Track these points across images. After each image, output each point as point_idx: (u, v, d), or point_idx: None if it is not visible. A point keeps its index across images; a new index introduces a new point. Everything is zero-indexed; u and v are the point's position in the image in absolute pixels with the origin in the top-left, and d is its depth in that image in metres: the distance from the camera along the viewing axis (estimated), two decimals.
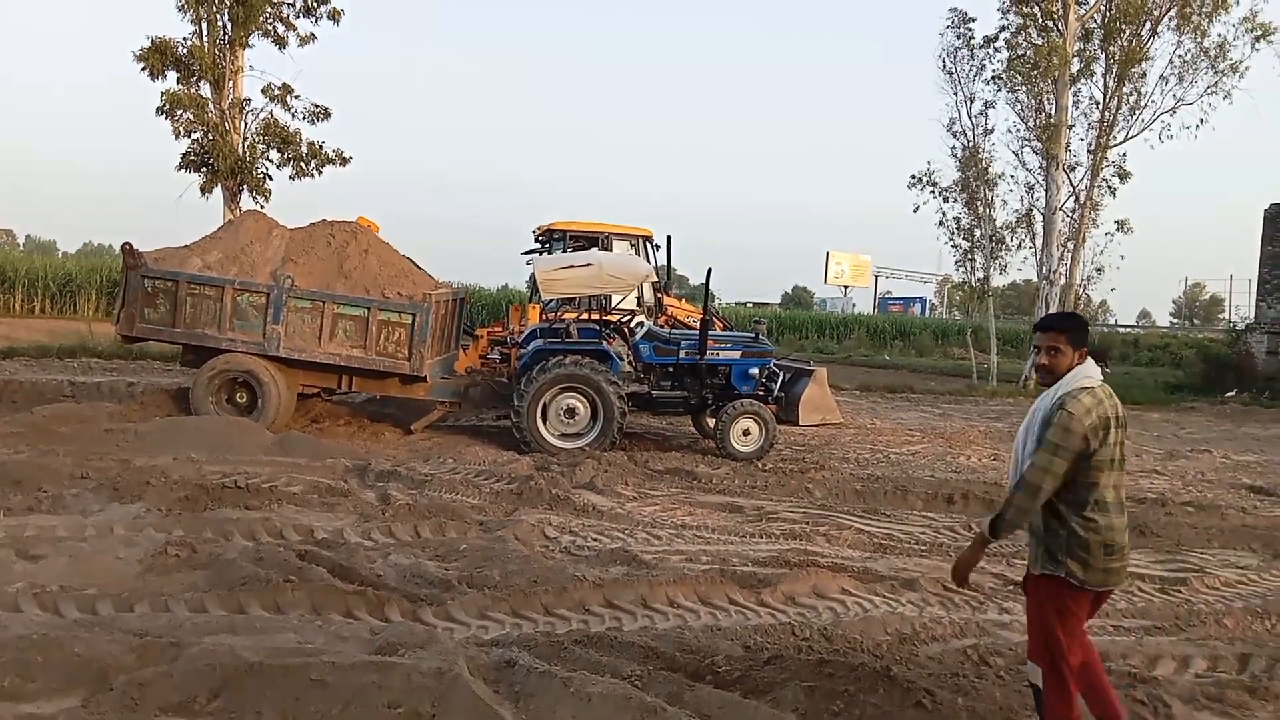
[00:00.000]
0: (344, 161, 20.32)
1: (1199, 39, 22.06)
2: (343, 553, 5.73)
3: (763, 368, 10.96)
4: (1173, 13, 22.06)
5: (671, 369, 10.96)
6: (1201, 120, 22.37)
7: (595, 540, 6.60)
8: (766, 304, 68.63)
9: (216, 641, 3.99)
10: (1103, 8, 22.65)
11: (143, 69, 18.62)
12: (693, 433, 12.10)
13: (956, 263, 24.65)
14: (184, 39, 18.85)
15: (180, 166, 19.28)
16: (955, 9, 24.17)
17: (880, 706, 3.82)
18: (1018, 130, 23.43)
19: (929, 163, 24.39)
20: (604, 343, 10.52)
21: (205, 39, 19.00)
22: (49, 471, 7.21)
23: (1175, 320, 71.37)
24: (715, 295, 13.04)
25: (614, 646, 4.38)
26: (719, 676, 4.12)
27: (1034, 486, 3.19)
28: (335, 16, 20.10)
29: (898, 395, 20.28)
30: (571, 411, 10.23)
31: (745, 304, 61.38)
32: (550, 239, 14.48)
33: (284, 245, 10.85)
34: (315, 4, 19.91)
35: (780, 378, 11.15)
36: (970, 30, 23.61)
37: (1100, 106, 22.80)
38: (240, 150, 19.38)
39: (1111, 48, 22.44)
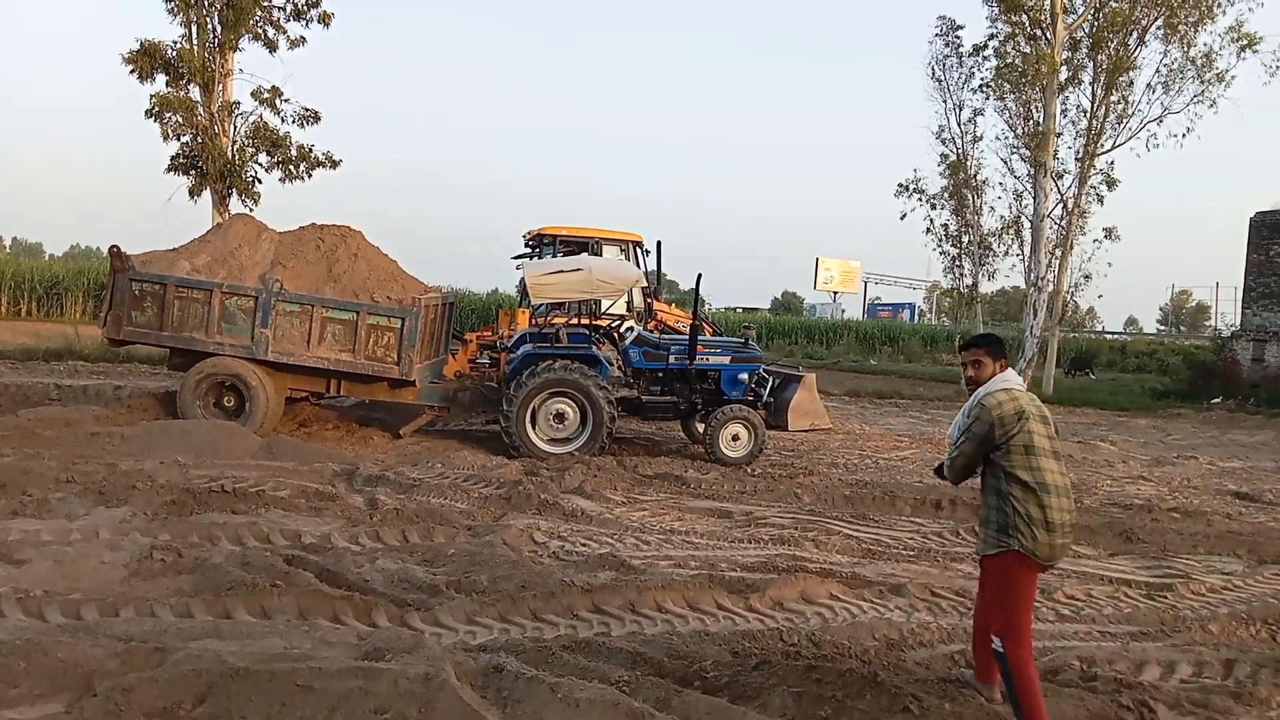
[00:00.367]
0: (334, 164, 20.27)
1: (1185, 48, 22.25)
2: (330, 557, 5.70)
3: (752, 373, 10.98)
4: (1160, 22, 22.23)
5: (661, 374, 10.96)
6: (1188, 129, 22.57)
7: (584, 545, 6.59)
8: (756, 309, 68.78)
9: (202, 646, 3.97)
10: (1090, 17, 22.81)
11: (132, 71, 18.54)
12: (682, 438, 12.10)
13: (945, 269, 24.81)
14: (173, 42, 18.81)
15: (169, 169, 19.20)
16: (944, 17, 24.37)
17: (867, 712, 3.82)
18: (1006, 138, 23.61)
19: (915, 170, 24.54)
20: (593, 347, 10.52)
21: (195, 42, 18.93)
22: (34, 475, 7.16)
23: (1162, 327, 71.84)
24: (705, 300, 13.06)
25: (602, 652, 4.37)
26: (707, 682, 4.11)
27: (954, 462, 4.01)
28: (325, 20, 20.06)
29: (886, 401, 20.34)
30: (561, 416, 10.22)
31: (735, 309, 61.54)
32: (540, 244, 14.46)
33: (273, 249, 10.82)
34: (305, 7, 19.87)
35: (769, 383, 11.16)
36: (959, 38, 23.83)
37: (1088, 115, 22.94)
38: (229, 153, 19.31)
39: (1099, 56, 22.59)
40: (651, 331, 12.71)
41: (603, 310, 12.00)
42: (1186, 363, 29.84)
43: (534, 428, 10.18)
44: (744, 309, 65.17)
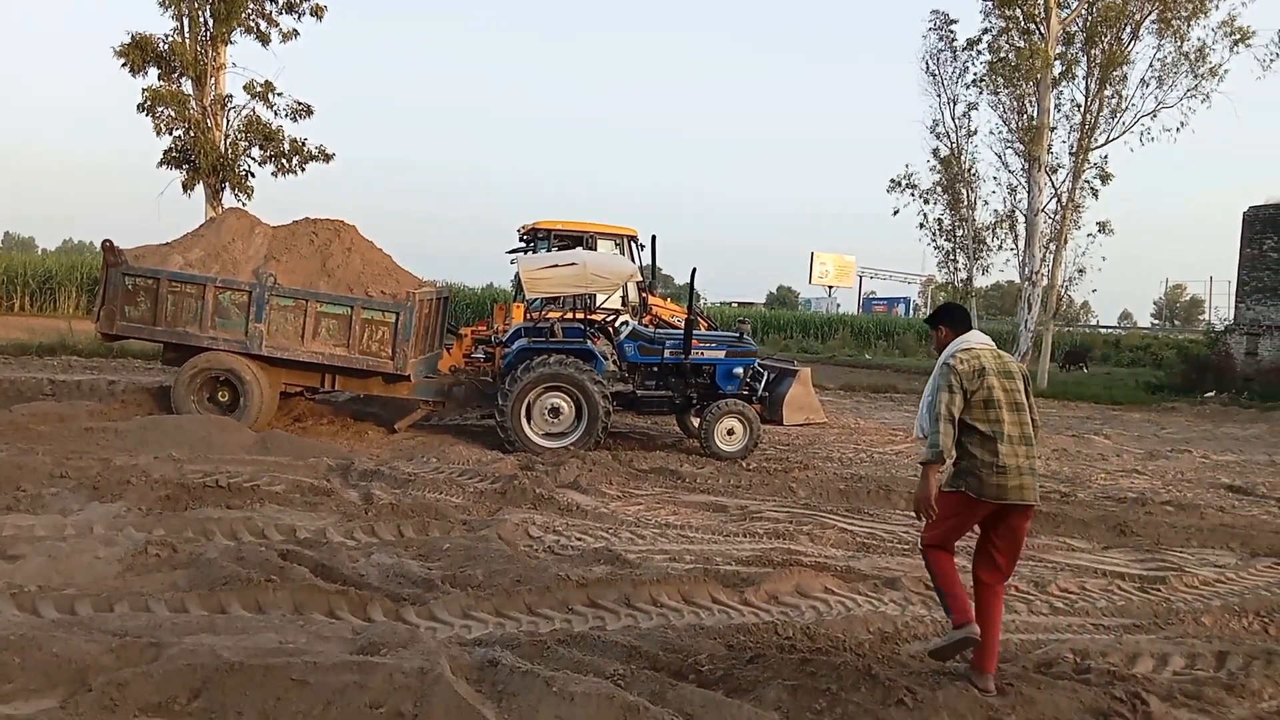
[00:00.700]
0: (327, 158, 20.21)
1: (1179, 43, 22.31)
2: (325, 552, 5.70)
3: (747, 367, 10.98)
4: (1153, 16, 22.26)
5: (656, 368, 10.96)
6: (1181, 123, 22.64)
7: (579, 540, 6.59)
8: (751, 304, 68.81)
9: (197, 641, 3.96)
10: (1084, 11, 22.83)
11: (123, 65, 18.45)
12: (677, 432, 12.11)
13: (939, 264, 24.85)
14: (165, 35, 18.71)
15: (162, 163, 19.14)
16: (937, 11, 24.38)
17: (862, 705, 3.83)
18: (1000, 132, 23.64)
19: (907, 166, 24.53)
20: (588, 342, 10.52)
21: (187, 35, 18.85)
22: (28, 470, 7.14)
23: (1156, 321, 72.02)
24: (700, 295, 13.07)
25: (597, 646, 4.37)
26: (702, 675, 4.12)
27: (941, 416, 4.07)
28: (318, 13, 19.99)
29: (881, 395, 20.38)
30: (556, 411, 10.21)
31: (730, 304, 61.56)
32: (535, 238, 14.46)
33: (266, 243, 10.80)
34: (298, 1, 19.78)
35: (764, 377, 11.17)
36: (953, 33, 23.85)
37: (1082, 109, 22.99)
38: (222, 147, 19.24)
39: (1093, 51, 22.63)
40: (646, 326, 12.71)
41: (597, 305, 12.00)
42: (1180, 357, 29.94)
43: (529, 422, 10.17)
44: (739, 303, 65.20)
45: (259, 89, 19.49)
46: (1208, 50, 22.18)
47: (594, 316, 11.55)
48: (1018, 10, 22.86)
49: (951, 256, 24.36)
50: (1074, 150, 23.11)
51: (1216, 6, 22.20)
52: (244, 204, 19.27)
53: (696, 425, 10.90)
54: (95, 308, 10.70)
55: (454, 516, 6.92)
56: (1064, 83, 23.37)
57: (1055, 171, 23.44)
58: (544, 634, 4.57)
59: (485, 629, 4.71)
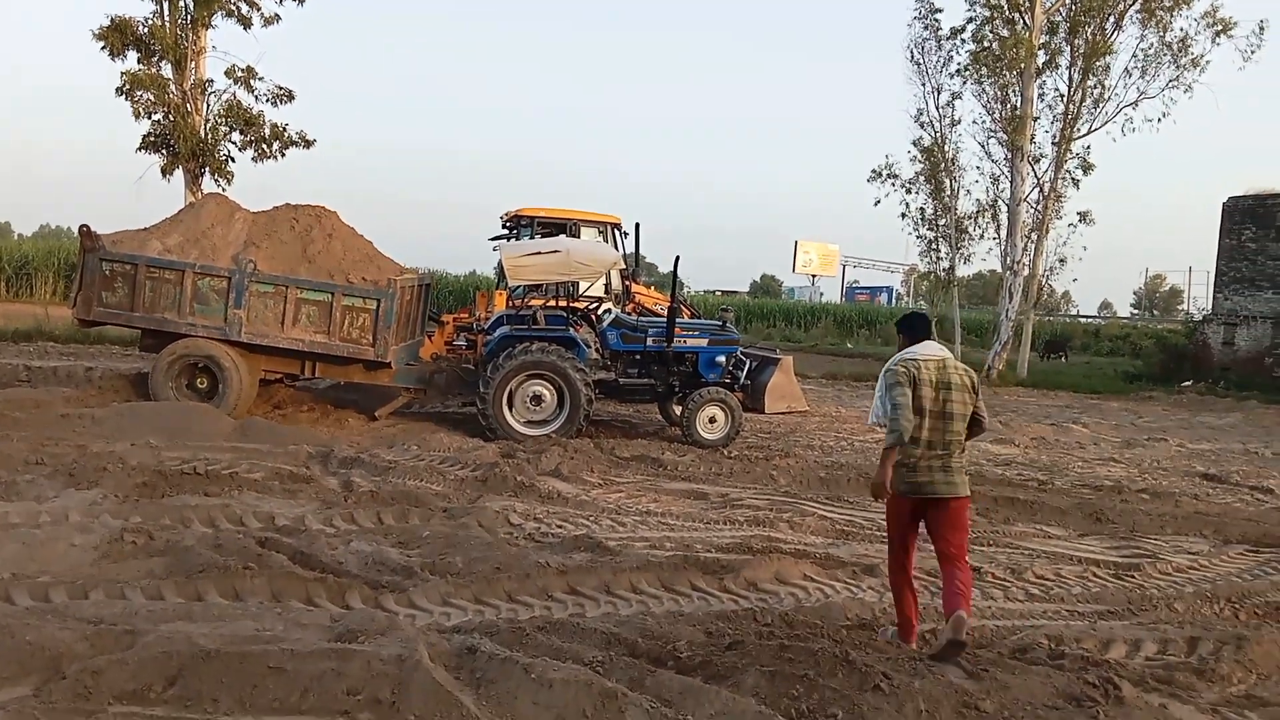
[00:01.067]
0: (308, 144, 20.04)
1: (1161, 33, 22.38)
2: (304, 540, 5.68)
3: (729, 356, 11.00)
4: (1137, 6, 22.35)
5: (638, 356, 10.96)
6: (1163, 114, 22.75)
7: (560, 527, 6.60)
8: (735, 292, 68.89)
9: (173, 629, 3.94)
10: (1068, 1, 22.89)
11: (102, 48, 18.20)
12: (659, 420, 12.12)
13: (921, 253, 24.93)
14: (145, 18, 18.47)
15: (140, 148, 18.91)
16: None
17: (839, 690, 3.86)
18: (983, 122, 23.68)
19: (887, 156, 24.54)
20: (571, 330, 10.50)
21: (167, 18, 18.62)
22: (2, 457, 7.09)
23: (1136, 311, 72.54)
24: (683, 283, 13.07)
25: (576, 633, 4.38)
26: (680, 662, 4.13)
27: (899, 405, 4.47)
28: None
29: (863, 384, 20.44)
30: (538, 398, 10.20)
31: (714, 292, 61.61)
32: (518, 225, 14.40)
33: (246, 229, 10.69)
34: None
35: (747, 366, 11.19)
36: (938, 21, 23.84)
37: (1065, 99, 23.06)
38: (202, 132, 19.03)
39: (1076, 41, 22.69)
40: (629, 314, 12.70)
41: (580, 292, 11.97)
42: (1159, 346, 30.22)
43: (511, 410, 10.16)
44: (723, 292, 65.27)
45: (240, 74, 19.29)
46: (1190, 41, 22.30)
47: (577, 304, 11.52)
48: (1003, 0, 22.90)
49: (934, 246, 24.45)
50: (1056, 140, 23.20)
51: None
52: (224, 189, 19.12)
53: (679, 413, 10.92)
54: (72, 293, 10.58)
55: (434, 504, 6.92)
56: (1047, 72, 23.43)
57: (1038, 161, 23.53)
58: (523, 621, 4.58)
59: (464, 616, 4.71)
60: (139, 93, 18.30)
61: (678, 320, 10.98)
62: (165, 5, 18.63)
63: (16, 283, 29.47)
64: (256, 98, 19.59)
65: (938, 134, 23.85)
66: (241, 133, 19.45)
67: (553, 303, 11.35)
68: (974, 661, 4.38)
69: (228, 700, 3.38)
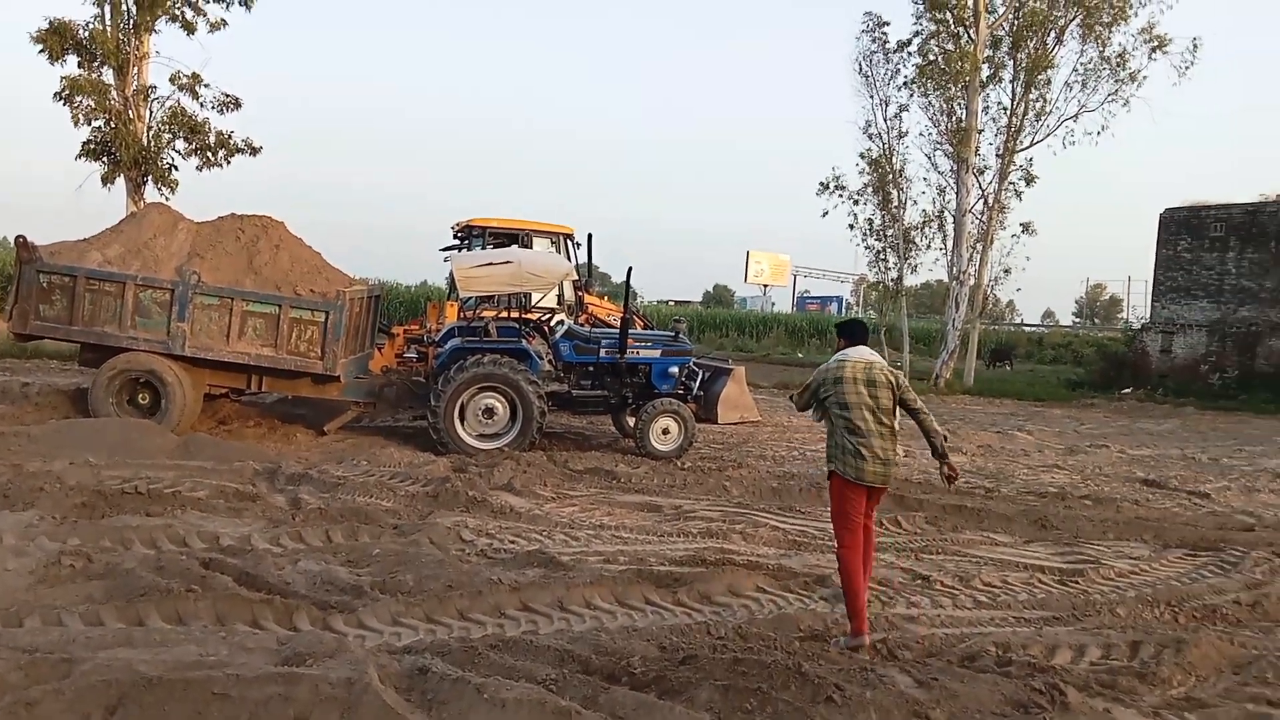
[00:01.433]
0: (254, 151, 19.76)
1: (1101, 48, 23.03)
2: (249, 560, 5.56)
3: (682, 366, 11.04)
4: (1077, 21, 22.96)
5: (591, 368, 10.95)
6: (1103, 127, 23.38)
7: (512, 542, 6.55)
8: (688, 302, 69.16)
9: (112, 656, 3.83)
10: (1011, 16, 23.44)
11: (40, 51, 17.76)
12: (613, 432, 12.11)
13: (869, 263, 25.29)
14: (86, 22, 18.06)
15: (80, 155, 18.46)
16: (870, 13, 24.77)
17: (792, 703, 3.88)
18: (930, 134, 24.13)
19: (834, 168, 24.89)
20: (523, 341, 10.45)
21: (108, 22, 18.21)
22: None
23: (1077, 320, 74.34)
24: (637, 294, 13.09)
25: (529, 650, 4.35)
26: (634, 678, 4.12)
27: (796, 399, 5.53)
28: (247, 3, 19.50)
29: None
30: (490, 411, 10.13)
31: (667, 302, 61.80)
32: (470, 235, 14.31)
33: (190, 239, 10.48)
34: None
35: (699, 376, 11.24)
36: (885, 35, 24.22)
37: (1008, 112, 23.59)
38: (144, 139, 18.63)
39: (1019, 55, 23.24)
40: (582, 325, 12.68)
41: (533, 304, 11.93)
42: (1099, 354, 31.00)
43: (462, 423, 10.07)
44: (676, 302, 65.49)
45: (186, 80, 18.93)
46: (1128, 56, 22.97)
47: (529, 315, 11.48)
48: (948, 14, 23.38)
49: (881, 256, 24.82)
50: (1000, 152, 23.71)
51: (1136, 14, 23.01)
52: (167, 198, 18.73)
53: (632, 425, 10.92)
54: (8, 306, 10.27)
55: (384, 521, 6.82)
56: (991, 85, 23.97)
57: (982, 173, 24.05)
58: (475, 639, 4.53)
59: (416, 636, 4.65)
60: (79, 98, 17.88)
61: (630, 331, 11.00)
62: (107, 9, 18.23)
63: None
64: (202, 105, 19.27)
65: (885, 146, 24.25)
66: (186, 140, 19.10)
67: (505, 314, 11.29)
68: (924, 670, 4.44)
69: None
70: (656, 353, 11.01)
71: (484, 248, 13.47)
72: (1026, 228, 23.80)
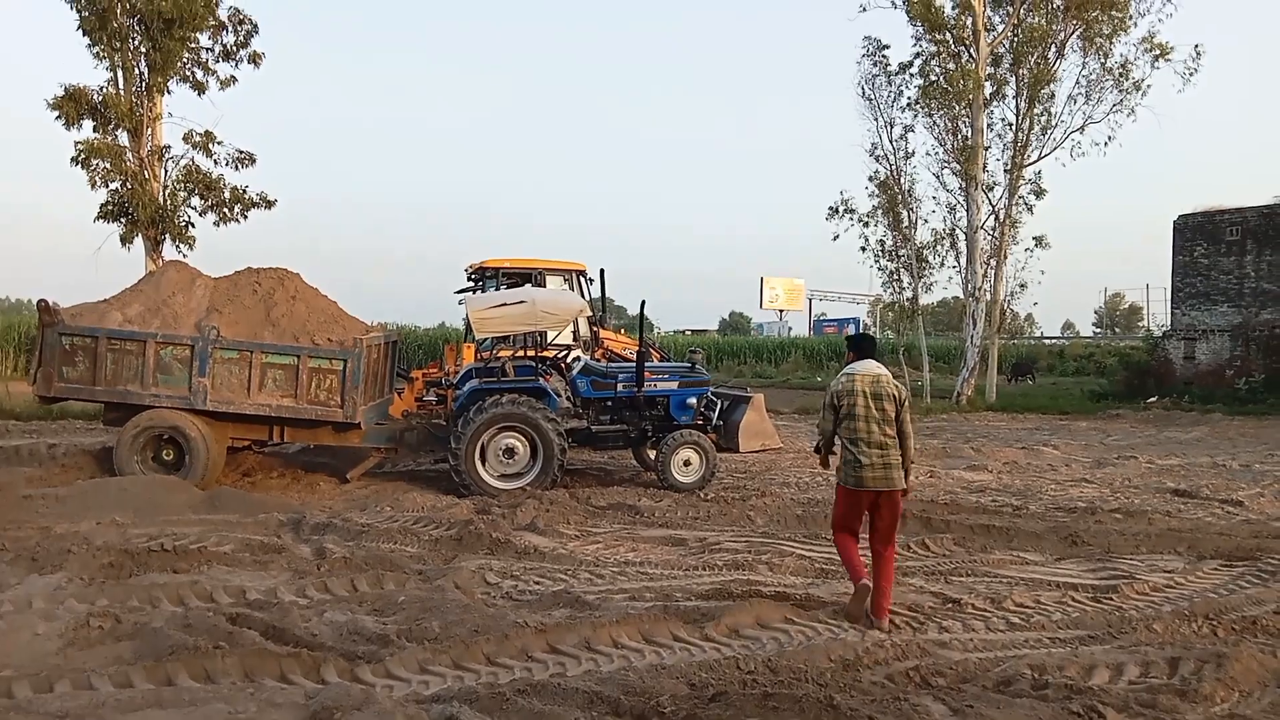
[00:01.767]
0: (269, 204, 19.99)
1: (1102, 59, 23.09)
2: (276, 613, 5.56)
3: (700, 397, 11.02)
4: (1077, 35, 23.03)
5: (610, 403, 10.95)
6: (1109, 137, 23.38)
7: (537, 584, 6.52)
8: (705, 331, 69.22)
9: (142, 718, 3.84)
10: (1011, 33, 23.54)
11: (57, 118, 18.13)
12: (635, 466, 12.08)
13: (883, 284, 25.28)
14: (100, 87, 18.43)
15: (98, 217, 18.75)
16: (869, 37, 24.98)
17: None
18: (936, 153, 24.19)
19: (842, 192, 24.99)
20: (540, 380, 10.47)
21: (122, 86, 18.59)
22: None
23: (1098, 330, 73.72)
24: (653, 325, 13.11)
25: (557, 694, 4.32)
26: (664, 717, 4.08)
27: (820, 418, 5.97)
28: (255, 60, 19.88)
29: None
30: (510, 451, 10.13)
31: (683, 331, 61.87)
32: (483, 277, 14.42)
33: (208, 295, 10.61)
34: (234, 48, 19.66)
35: (718, 406, 11.21)
36: (885, 58, 24.38)
37: (1014, 128, 23.63)
38: (161, 198, 18.94)
39: (1021, 71, 23.32)
40: (599, 360, 12.71)
41: (548, 341, 11.96)
42: (1122, 364, 30.72)
43: (484, 464, 10.08)
44: (692, 331, 65.57)
45: (199, 138, 19.26)
46: (1130, 66, 23.01)
47: (546, 353, 11.51)
48: (947, 34, 23.52)
49: (895, 276, 24.80)
50: (1008, 167, 23.72)
51: (1136, 24, 23.08)
52: (185, 255, 18.99)
53: (653, 458, 10.89)
54: (32, 370, 10.40)
55: (409, 567, 6.81)
56: (995, 102, 24.07)
57: (991, 189, 24.05)
58: (503, 685, 4.50)
59: (443, 683, 4.62)
60: (95, 161, 18.20)
61: (647, 364, 11.00)
62: (120, 73, 18.60)
63: None
64: (216, 162, 19.58)
65: (893, 167, 24.32)
66: (202, 197, 19.38)
67: (521, 353, 11.33)
68: (958, 697, 4.37)
69: None
70: (674, 384, 11.01)
71: (498, 288, 13.56)
72: (1040, 241, 23.78)
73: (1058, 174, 57.32)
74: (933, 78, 23.55)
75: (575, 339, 13.41)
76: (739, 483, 11.25)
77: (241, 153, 19.74)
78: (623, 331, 17.61)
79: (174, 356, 9.93)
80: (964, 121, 23.64)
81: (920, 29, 23.59)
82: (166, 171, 19.21)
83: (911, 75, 24.08)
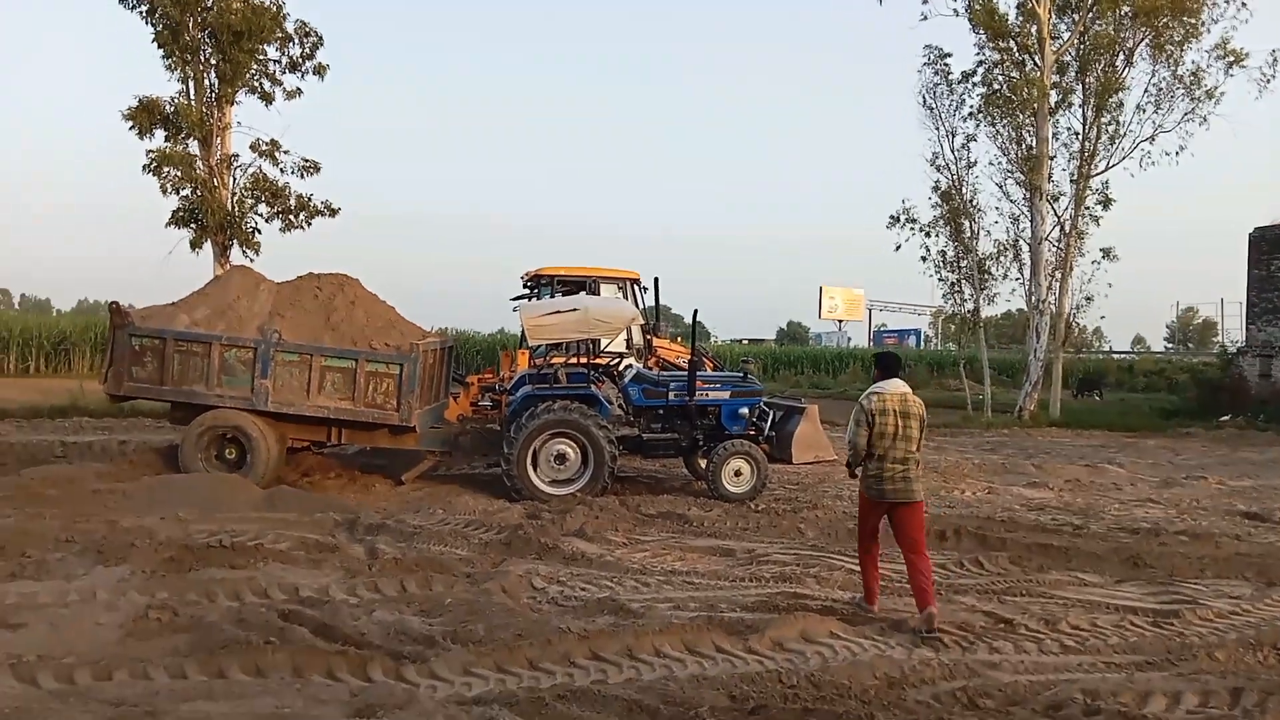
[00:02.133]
0: (332, 213, 20.46)
1: (1173, 67, 22.42)
2: (326, 611, 5.67)
3: (753, 407, 10.97)
4: (1146, 42, 22.42)
5: (661, 411, 10.95)
6: (1181, 147, 22.68)
7: (583, 590, 6.54)
8: (762, 340, 68.85)
9: (193, 709, 3.95)
10: (1077, 41, 23.02)
11: (131, 128, 18.79)
12: (686, 474, 12.06)
13: (944, 295, 24.84)
14: (171, 98, 19.07)
15: (169, 223, 19.39)
16: (930, 46, 24.61)
17: None
18: (1000, 163, 23.72)
19: (904, 200, 24.54)
20: (593, 387, 10.52)
21: (192, 97, 19.21)
22: (34, 536, 7.17)
23: (1170, 345, 71.53)
24: (709, 333, 13.09)
25: (598, 700, 4.33)
26: None
27: (851, 440, 6.10)
28: (320, 71, 20.38)
29: None
30: (562, 457, 10.20)
31: (740, 341, 61.64)
32: (538, 284, 14.56)
33: (271, 299, 10.89)
34: (301, 60, 20.17)
35: (771, 416, 11.14)
36: (947, 66, 24.00)
37: (1080, 137, 23.07)
38: (229, 205, 19.51)
39: (1087, 79, 22.77)
40: (651, 368, 12.73)
41: (602, 349, 12.02)
42: (1194, 380, 29.71)
43: (535, 470, 10.16)
44: (749, 340, 65.27)
45: (265, 147, 19.81)
46: (1202, 73, 22.31)
47: (598, 361, 11.57)
48: (1011, 43, 23.09)
49: (957, 288, 24.33)
50: (1074, 178, 23.16)
51: (1209, 30, 22.38)
52: (251, 260, 19.52)
53: (704, 467, 10.86)
54: (103, 369, 10.79)
55: (458, 570, 6.89)
56: (1061, 111, 23.52)
57: (1057, 200, 23.48)
58: (543, 689, 4.53)
59: (486, 685, 4.67)
60: (167, 169, 18.82)
61: (699, 373, 10.99)
62: (191, 84, 19.23)
63: (55, 358, 30.11)
64: (282, 170, 20.11)
65: (954, 177, 23.90)
66: (268, 204, 19.92)
67: (574, 360, 11.39)
68: (1007, 717, 4.27)
69: None
70: (726, 394, 10.97)
71: (552, 296, 13.67)
72: (1107, 253, 23.10)
73: (1127, 184, 55.79)
74: (996, 86, 23.13)
75: (628, 346, 13.45)
76: (791, 494, 11.15)
77: (306, 161, 20.27)
78: (679, 340, 17.61)
79: (237, 358, 10.21)
80: (1028, 131, 23.15)
81: (983, 37, 23.17)
82: (234, 179, 19.79)
83: (974, 84, 23.70)
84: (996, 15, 22.71)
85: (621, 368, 11.72)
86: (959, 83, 23.85)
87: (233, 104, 19.72)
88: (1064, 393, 26.24)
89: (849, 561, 7.64)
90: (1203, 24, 22.13)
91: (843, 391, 34.07)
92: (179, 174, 18.83)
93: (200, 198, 19.03)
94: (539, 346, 12.05)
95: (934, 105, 24.06)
